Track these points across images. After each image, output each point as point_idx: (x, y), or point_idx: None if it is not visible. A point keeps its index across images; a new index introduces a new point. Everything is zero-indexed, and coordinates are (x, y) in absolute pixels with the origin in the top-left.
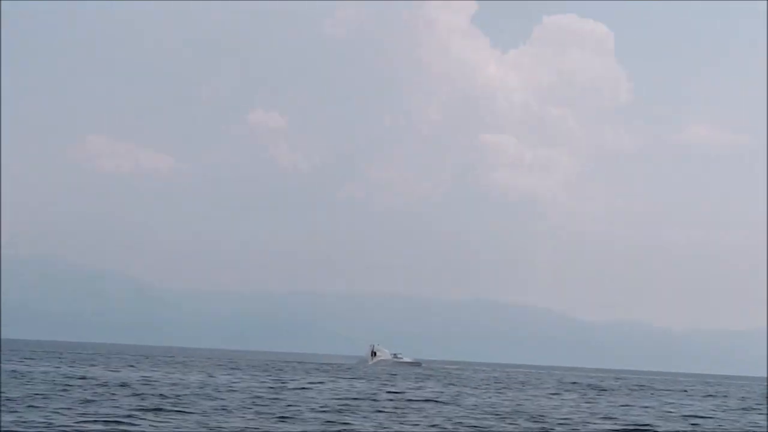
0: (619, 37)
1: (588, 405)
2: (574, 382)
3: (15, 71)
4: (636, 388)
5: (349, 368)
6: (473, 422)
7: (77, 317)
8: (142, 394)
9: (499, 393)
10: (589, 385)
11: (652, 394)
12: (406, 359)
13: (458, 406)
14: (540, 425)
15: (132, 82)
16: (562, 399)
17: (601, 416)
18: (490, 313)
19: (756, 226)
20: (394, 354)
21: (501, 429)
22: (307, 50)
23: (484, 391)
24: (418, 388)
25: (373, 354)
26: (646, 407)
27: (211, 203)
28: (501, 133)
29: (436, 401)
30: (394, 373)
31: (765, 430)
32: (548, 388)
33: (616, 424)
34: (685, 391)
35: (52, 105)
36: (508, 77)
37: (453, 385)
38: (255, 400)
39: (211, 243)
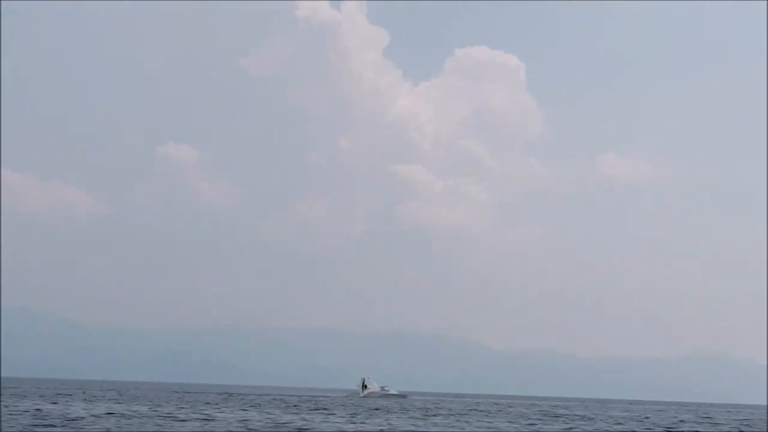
0: (530, 69)
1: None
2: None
3: None
4: (473, 410)
5: (344, 401)
6: None
7: None
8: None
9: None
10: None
11: (478, 412)
12: (393, 391)
13: None
14: None
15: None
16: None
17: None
18: (413, 344)
19: (668, 255)
20: (382, 387)
21: None
22: (223, 86)
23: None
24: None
25: (364, 387)
26: (435, 423)
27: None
28: (412, 164)
29: None
30: (387, 405)
31: None
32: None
33: None
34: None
35: None
36: (419, 108)
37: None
38: None
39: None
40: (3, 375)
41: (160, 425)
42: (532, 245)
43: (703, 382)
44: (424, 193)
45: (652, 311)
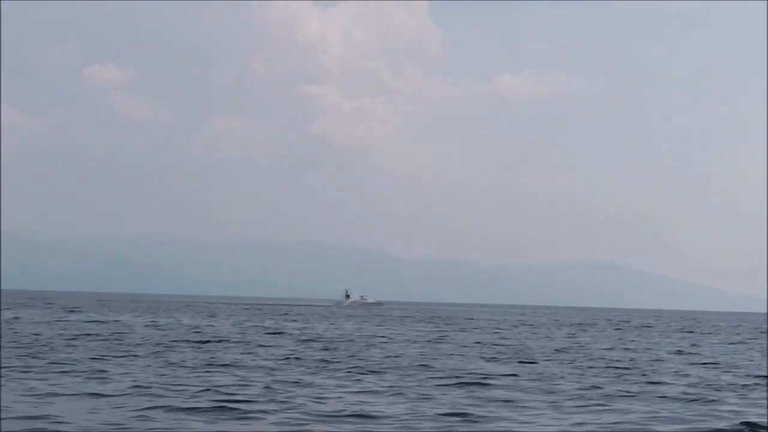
0: None
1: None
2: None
3: None
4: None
5: (330, 308)
6: None
7: None
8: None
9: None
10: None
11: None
12: (371, 300)
13: None
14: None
15: None
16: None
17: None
18: (322, 254)
19: (565, 170)
20: (361, 296)
21: None
22: (153, 12)
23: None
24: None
25: (347, 296)
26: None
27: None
28: (324, 85)
29: None
30: (373, 312)
31: None
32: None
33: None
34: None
35: None
36: (328, 31)
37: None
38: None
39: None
40: None
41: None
42: (431, 159)
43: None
44: (330, 112)
45: (543, 222)
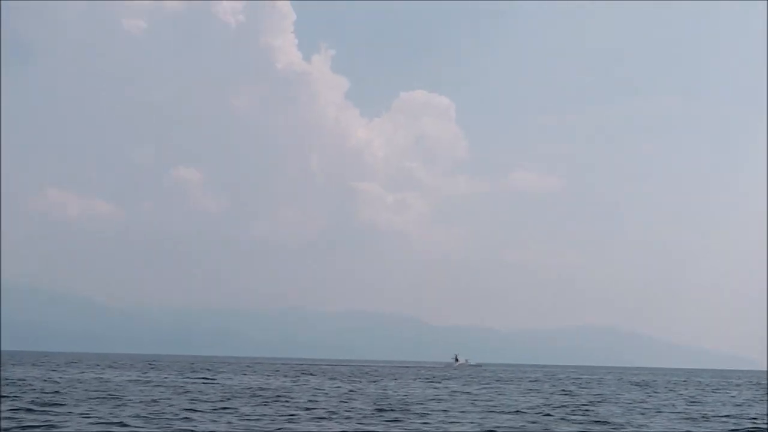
0: (458, 106)
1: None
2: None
3: None
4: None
5: (445, 370)
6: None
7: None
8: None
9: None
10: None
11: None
12: (473, 362)
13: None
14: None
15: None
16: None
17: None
18: (367, 322)
19: (572, 248)
20: (466, 359)
21: None
22: (220, 122)
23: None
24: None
25: (456, 359)
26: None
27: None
28: (369, 181)
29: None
30: (479, 373)
31: None
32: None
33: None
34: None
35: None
36: (373, 138)
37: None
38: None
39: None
40: (41, 348)
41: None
42: (459, 241)
43: (596, 349)
44: (375, 204)
45: (553, 293)
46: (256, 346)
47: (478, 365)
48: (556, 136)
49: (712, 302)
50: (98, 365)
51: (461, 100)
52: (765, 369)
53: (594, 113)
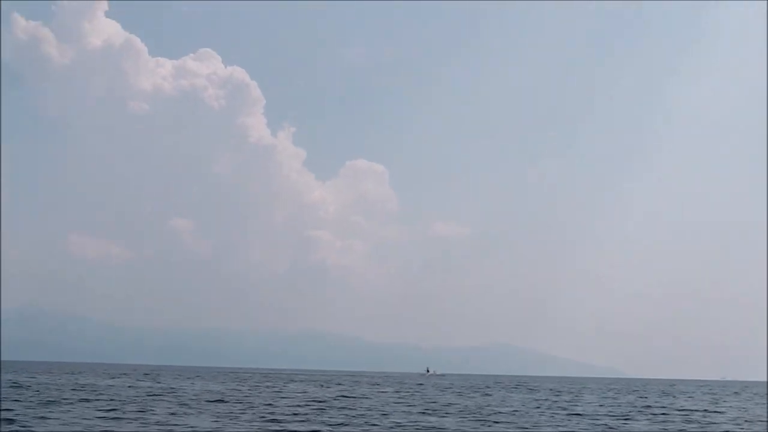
0: (391, 171)
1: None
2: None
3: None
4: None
5: (419, 379)
6: None
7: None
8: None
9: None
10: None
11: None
12: (439, 372)
13: None
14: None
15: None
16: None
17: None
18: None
19: (470, 281)
20: (434, 370)
21: None
22: (206, 183)
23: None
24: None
25: (427, 370)
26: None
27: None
28: (323, 230)
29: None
30: (445, 381)
31: None
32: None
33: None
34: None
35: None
36: (326, 197)
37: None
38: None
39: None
40: (64, 359)
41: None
42: (392, 278)
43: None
44: (327, 248)
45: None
46: (236, 357)
47: (442, 375)
48: (466, 194)
49: (585, 323)
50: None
51: (393, 167)
52: (626, 376)
53: (495, 175)
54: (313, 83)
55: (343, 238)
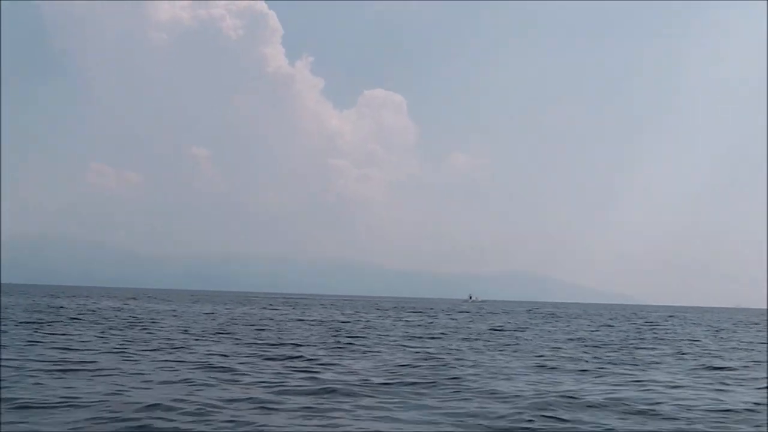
0: (409, 102)
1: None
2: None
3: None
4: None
5: (464, 305)
6: None
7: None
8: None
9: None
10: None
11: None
12: (480, 299)
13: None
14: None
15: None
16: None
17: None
18: (343, 266)
19: (493, 214)
20: (476, 297)
21: None
22: (226, 113)
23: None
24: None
25: (470, 297)
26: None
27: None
28: (341, 159)
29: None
30: (485, 307)
31: None
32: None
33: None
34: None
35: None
36: (343, 126)
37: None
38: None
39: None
40: (84, 284)
41: None
42: (409, 206)
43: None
44: (345, 176)
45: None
46: (257, 283)
47: (483, 301)
48: (486, 127)
49: (604, 255)
50: (123, 296)
51: (411, 97)
52: (639, 303)
53: (512, 114)
54: (332, 13)
55: (362, 168)
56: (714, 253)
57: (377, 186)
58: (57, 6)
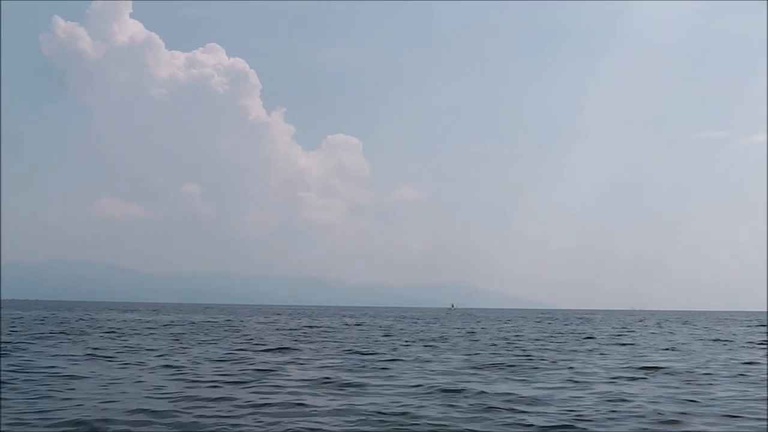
0: (365, 144)
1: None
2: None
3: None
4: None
5: (445, 314)
6: None
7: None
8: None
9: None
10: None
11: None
12: (459, 307)
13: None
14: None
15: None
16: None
17: None
18: (305, 283)
19: (430, 235)
20: (455, 305)
21: None
22: (212, 155)
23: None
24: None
25: (452, 306)
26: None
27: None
28: (308, 191)
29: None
30: (468, 313)
31: None
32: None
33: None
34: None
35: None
36: (310, 164)
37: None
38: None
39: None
40: (93, 299)
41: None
42: (363, 229)
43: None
44: (311, 206)
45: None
46: (237, 297)
47: (463, 309)
48: (424, 164)
49: (525, 268)
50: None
51: (366, 140)
52: (557, 308)
53: (445, 150)
54: (301, 72)
55: (325, 198)
56: (607, 264)
57: (338, 213)
58: (76, 59)
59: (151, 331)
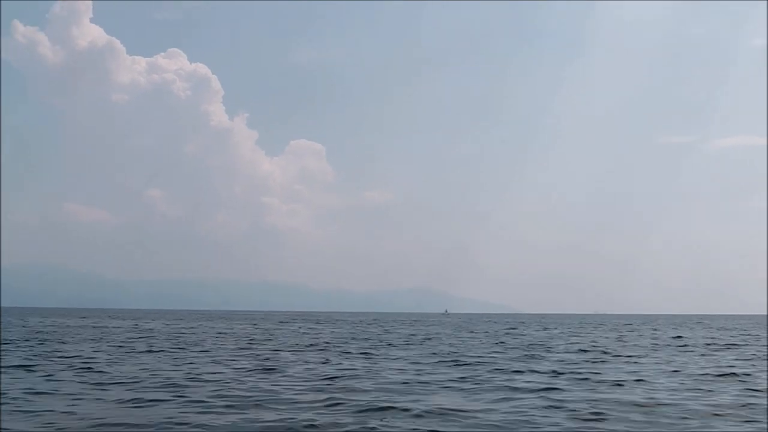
0: (328, 149)
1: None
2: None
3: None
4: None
5: (439, 317)
6: None
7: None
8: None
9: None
10: None
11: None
12: (451, 312)
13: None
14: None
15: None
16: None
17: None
18: (270, 288)
19: (398, 239)
20: (447, 311)
21: None
22: (177, 161)
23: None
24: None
25: (446, 311)
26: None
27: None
28: (272, 197)
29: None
30: (459, 318)
31: None
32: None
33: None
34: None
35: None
36: (274, 169)
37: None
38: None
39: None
40: (63, 305)
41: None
42: (329, 234)
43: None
44: (276, 212)
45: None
46: (206, 303)
47: (451, 314)
48: (392, 168)
49: (492, 272)
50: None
51: (329, 145)
52: (519, 312)
53: (414, 153)
54: (264, 77)
55: (289, 204)
56: (578, 266)
57: (301, 219)
58: (36, 63)
59: None
